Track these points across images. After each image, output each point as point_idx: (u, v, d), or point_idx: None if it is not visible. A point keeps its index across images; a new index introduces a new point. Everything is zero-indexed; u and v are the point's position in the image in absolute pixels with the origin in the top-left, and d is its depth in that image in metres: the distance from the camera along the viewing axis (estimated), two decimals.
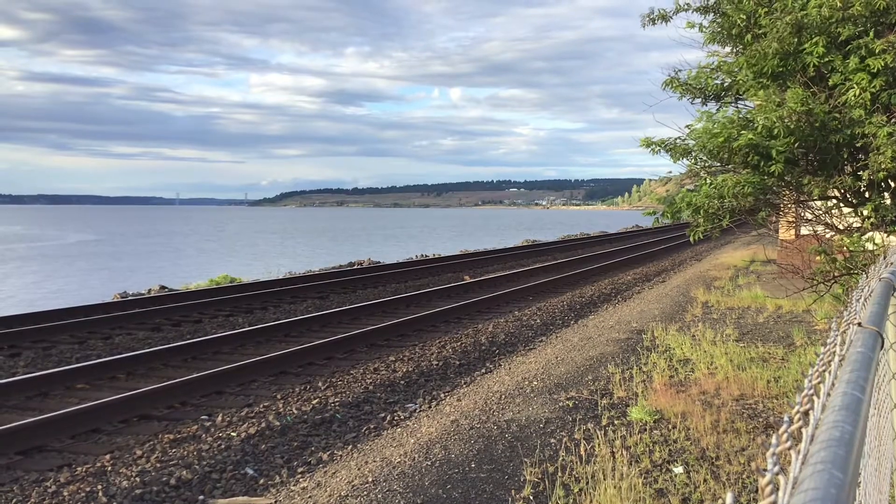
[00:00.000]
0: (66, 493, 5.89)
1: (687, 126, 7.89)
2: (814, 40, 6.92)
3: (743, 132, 6.83)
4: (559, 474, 5.59)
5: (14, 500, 5.78)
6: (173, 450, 6.90)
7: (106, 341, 11.94)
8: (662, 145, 8.13)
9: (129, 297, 17.41)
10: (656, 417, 6.92)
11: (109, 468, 6.43)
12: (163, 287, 20.24)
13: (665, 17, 8.54)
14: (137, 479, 6.19)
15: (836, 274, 8.21)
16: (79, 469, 6.40)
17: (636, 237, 44.55)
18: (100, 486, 6.01)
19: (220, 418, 7.82)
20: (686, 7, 8.46)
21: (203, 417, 7.90)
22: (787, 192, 8.22)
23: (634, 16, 8.77)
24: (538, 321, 14.11)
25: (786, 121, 6.73)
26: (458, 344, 11.76)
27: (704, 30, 8.39)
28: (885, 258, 4.18)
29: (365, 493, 5.49)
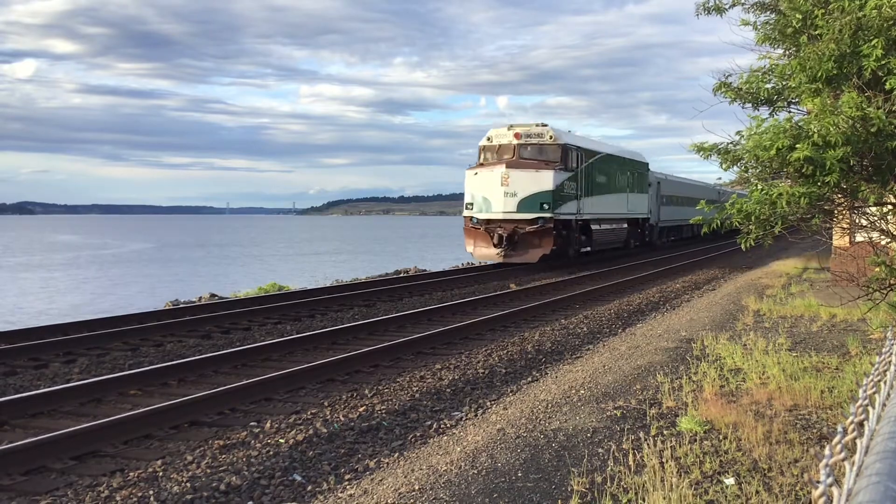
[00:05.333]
0: (118, 498, 6.00)
1: (737, 133, 7.79)
2: (872, 42, 6.77)
3: (797, 145, 6.68)
4: (607, 484, 5.53)
5: None
6: (223, 455, 6.99)
7: (158, 348, 12.16)
8: (713, 150, 8.03)
9: (181, 305, 17.71)
10: (706, 428, 6.81)
11: (161, 473, 6.53)
12: (213, 295, 20.57)
13: (720, 9, 8.46)
14: (188, 484, 6.28)
15: (892, 282, 8.02)
16: (131, 474, 6.51)
17: (685, 244, 43.97)
18: (151, 492, 6.11)
19: (268, 425, 7.90)
20: (742, 2, 8.37)
21: (252, 424, 7.99)
22: (842, 199, 8.05)
23: (685, 22, 8.79)
24: (585, 329, 14.00)
25: (842, 127, 6.59)
26: (504, 352, 11.72)
27: (758, 29, 8.28)
28: None
29: (411, 501, 5.50)
